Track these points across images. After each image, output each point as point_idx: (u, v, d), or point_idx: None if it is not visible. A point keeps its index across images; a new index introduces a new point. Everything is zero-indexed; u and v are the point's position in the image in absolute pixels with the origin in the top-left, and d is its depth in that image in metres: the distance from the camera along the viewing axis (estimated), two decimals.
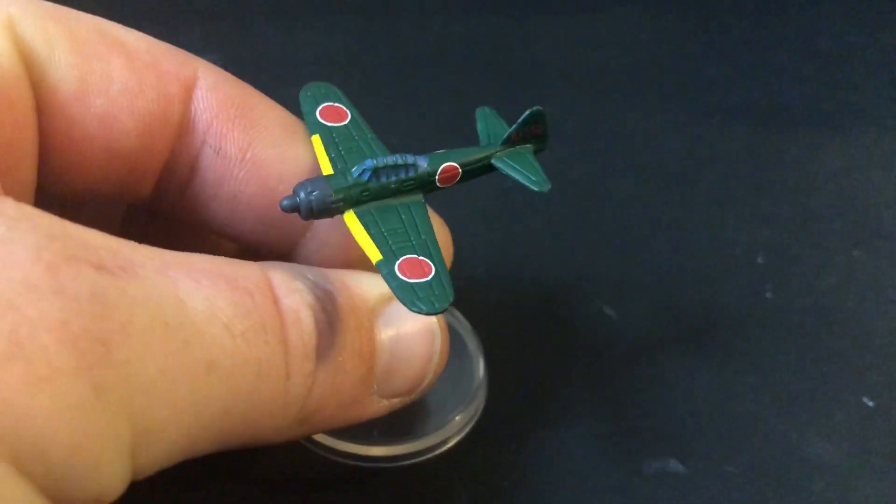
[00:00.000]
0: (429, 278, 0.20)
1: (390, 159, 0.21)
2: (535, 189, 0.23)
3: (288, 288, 0.19)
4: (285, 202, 0.21)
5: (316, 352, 0.19)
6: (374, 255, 0.20)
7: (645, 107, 0.43)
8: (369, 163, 0.21)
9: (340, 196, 0.21)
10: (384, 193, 0.21)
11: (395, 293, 0.20)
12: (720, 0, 0.53)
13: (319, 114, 0.23)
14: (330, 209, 0.21)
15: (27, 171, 0.20)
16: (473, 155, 0.23)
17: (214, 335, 0.17)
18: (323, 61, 0.46)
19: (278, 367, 0.19)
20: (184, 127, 0.22)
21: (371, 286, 0.22)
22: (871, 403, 0.28)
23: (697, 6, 0.52)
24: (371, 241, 0.21)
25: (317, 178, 0.21)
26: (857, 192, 0.38)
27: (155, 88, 0.21)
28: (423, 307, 0.19)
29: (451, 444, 0.26)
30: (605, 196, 0.38)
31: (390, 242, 0.21)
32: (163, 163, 0.22)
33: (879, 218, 0.36)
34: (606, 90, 0.45)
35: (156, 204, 0.24)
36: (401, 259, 0.20)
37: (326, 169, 0.22)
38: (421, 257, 0.20)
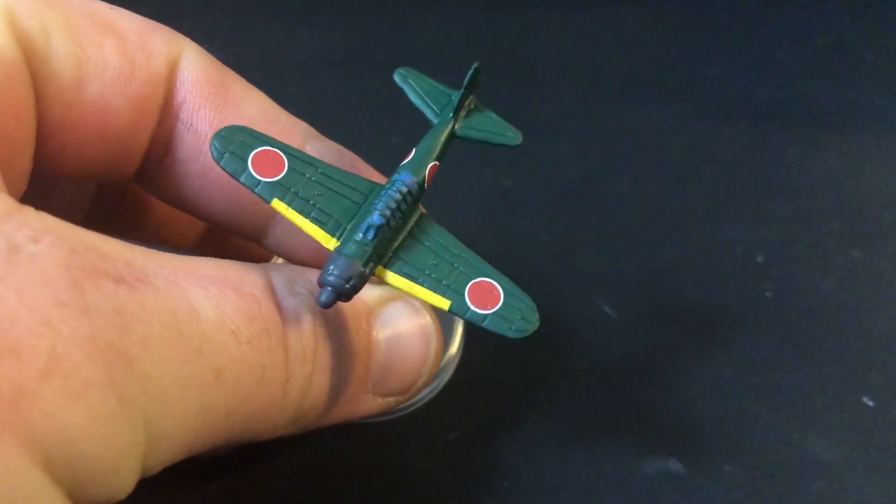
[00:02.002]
0: (503, 297, 0.20)
1: (390, 202, 0.20)
2: (513, 144, 0.22)
3: (290, 291, 0.20)
4: (324, 298, 0.19)
5: (314, 355, 0.20)
6: (443, 304, 0.20)
7: (645, 107, 0.43)
8: (377, 219, 0.19)
9: (370, 265, 0.19)
10: (396, 232, 0.20)
11: (488, 329, 0.20)
12: (720, 0, 0.53)
13: (255, 171, 0.20)
14: (366, 279, 0.20)
15: (25, 161, 0.20)
16: (439, 140, 0.22)
17: (223, 342, 0.18)
18: (323, 61, 0.46)
19: (279, 371, 0.19)
20: (165, 104, 0.22)
21: (370, 287, 0.22)
22: (871, 403, 0.28)
23: (697, 6, 0.52)
24: (430, 292, 0.20)
25: (337, 259, 0.19)
26: (857, 192, 0.38)
27: (146, 70, 0.21)
28: (524, 328, 0.19)
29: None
30: (604, 196, 0.38)
31: (444, 281, 0.20)
32: (148, 141, 0.22)
33: (879, 218, 0.36)
34: (606, 90, 0.45)
35: (136, 182, 0.24)
36: (466, 293, 0.20)
37: (316, 234, 0.20)
38: (477, 279, 0.20)
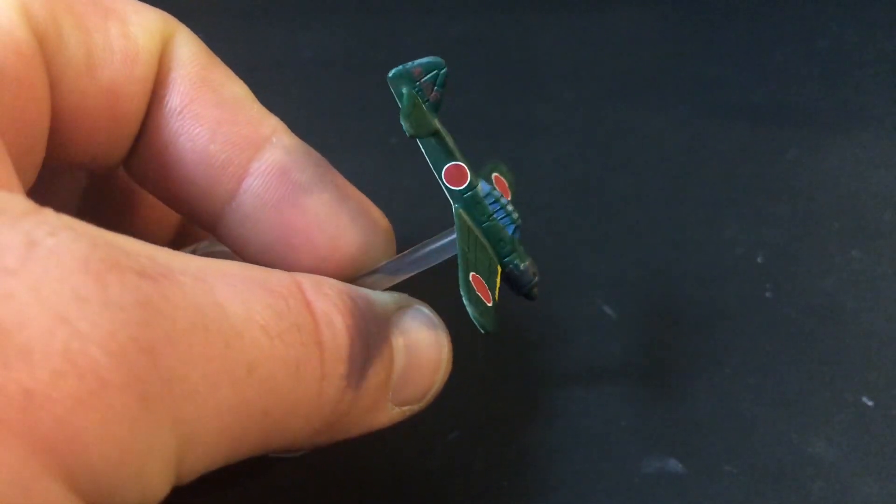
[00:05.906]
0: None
1: (503, 200, 0.23)
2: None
3: (318, 292, 0.20)
4: (526, 290, 0.24)
5: (349, 354, 0.20)
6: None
7: (645, 107, 0.43)
8: (518, 222, 0.24)
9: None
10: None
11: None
12: (720, 0, 0.53)
13: (475, 285, 0.22)
14: None
15: (41, 151, 0.20)
16: (451, 138, 0.23)
17: (253, 337, 0.17)
18: (323, 61, 0.46)
19: (314, 367, 0.19)
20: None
21: (385, 294, 0.22)
22: (870, 403, 0.28)
23: (697, 6, 0.52)
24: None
25: (526, 270, 0.24)
26: (857, 192, 0.38)
27: (149, 52, 0.21)
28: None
29: None
30: (605, 196, 0.38)
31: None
32: (140, 122, 0.22)
33: (879, 218, 0.36)
34: (606, 90, 0.45)
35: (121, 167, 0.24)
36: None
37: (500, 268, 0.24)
38: None
